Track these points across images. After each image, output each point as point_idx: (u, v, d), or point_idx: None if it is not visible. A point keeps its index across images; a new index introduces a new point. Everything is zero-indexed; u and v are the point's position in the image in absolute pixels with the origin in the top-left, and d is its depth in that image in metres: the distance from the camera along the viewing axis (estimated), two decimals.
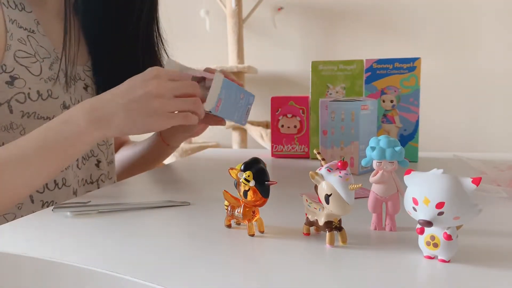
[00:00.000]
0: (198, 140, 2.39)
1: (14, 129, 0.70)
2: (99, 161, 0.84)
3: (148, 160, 0.95)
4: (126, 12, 0.82)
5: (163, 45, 0.88)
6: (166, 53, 0.88)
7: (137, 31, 0.83)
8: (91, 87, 0.83)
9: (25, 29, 0.72)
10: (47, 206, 0.74)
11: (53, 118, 0.73)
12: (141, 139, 0.97)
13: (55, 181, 0.74)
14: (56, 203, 0.75)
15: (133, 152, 0.97)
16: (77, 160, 0.79)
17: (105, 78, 0.83)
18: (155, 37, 0.86)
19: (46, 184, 0.73)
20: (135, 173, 0.94)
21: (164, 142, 0.90)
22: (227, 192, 0.48)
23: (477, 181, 0.35)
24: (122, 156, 0.98)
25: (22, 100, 0.70)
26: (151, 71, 0.65)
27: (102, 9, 0.82)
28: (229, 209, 0.47)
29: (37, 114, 0.72)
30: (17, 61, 0.70)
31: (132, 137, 1.04)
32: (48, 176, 0.63)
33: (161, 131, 0.90)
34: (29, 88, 0.70)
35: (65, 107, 0.76)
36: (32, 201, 0.73)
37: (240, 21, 2.28)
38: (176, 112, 0.67)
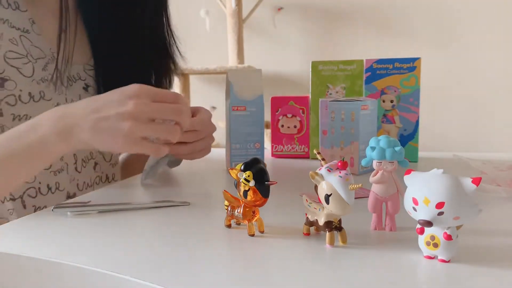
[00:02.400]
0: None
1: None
2: (96, 163, 0.82)
3: (139, 158, 0.94)
4: (130, 6, 0.79)
5: (175, 42, 0.85)
6: (179, 51, 0.85)
7: (142, 26, 0.80)
8: (92, 87, 0.81)
9: (18, 28, 0.71)
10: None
11: None
12: None
13: (48, 185, 0.73)
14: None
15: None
16: (76, 163, 0.77)
17: (108, 77, 0.81)
18: (165, 33, 0.83)
19: (39, 189, 0.72)
20: (133, 171, 0.94)
21: None
22: (227, 192, 0.48)
23: (477, 181, 0.35)
24: (125, 157, 0.97)
25: (12, 103, 0.68)
26: (132, 88, 0.59)
27: (104, 4, 0.80)
28: (229, 209, 0.47)
29: (29, 117, 0.70)
30: (7, 62, 0.68)
31: None
32: (10, 187, 0.61)
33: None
34: (20, 90, 0.69)
35: None
36: (24, 206, 0.71)
37: (240, 21, 2.28)
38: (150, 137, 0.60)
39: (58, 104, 0.74)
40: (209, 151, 0.76)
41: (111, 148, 0.60)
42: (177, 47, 0.86)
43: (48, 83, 0.72)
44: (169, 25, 0.84)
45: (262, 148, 0.80)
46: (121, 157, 0.96)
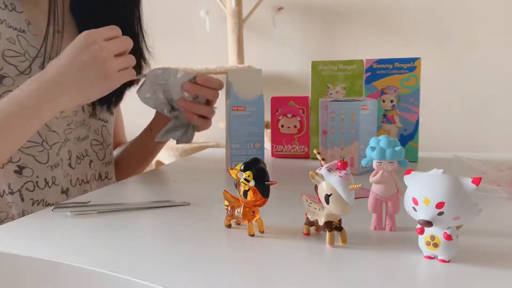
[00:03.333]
0: (198, 140, 2.39)
1: None
2: (91, 161, 0.84)
3: (138, 156, 0.95)
4: (107, 5, 0.82)
5: (143, 37, 0.87)
6: (146, 47, 0.88)
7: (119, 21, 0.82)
8: None
9: (15, 28, 0.73)
10: (37, 205, 0.74)
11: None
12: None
13: (45, 179, 0.74)
14: (46, 201, 0.75)
15: (125, 149, 0.96)
16: (70, 159, 0.79)
17: None
18: (136, 31, 0.86)
19: (37, 183, 0.74)
20: (129, 171, 0.94)
21: (152, 136, 0.89)
22: (227, 192, 0.48)
23: (477, 181, 0.35)
24: (115, 155, 0.97)
25: None
26: (85, 36, 0.66)
27: (96, 8, 0.81)
28: (229, 209, 0.47)
29: None
30: (5, 60, 0.70)
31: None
32: (6, 152, 0.66)
33: (152, 126, 0.91)
34: (18, 87, 0.69)
35: None
36: (22, 199, 0.73)
37: (240, 21, 2.28)
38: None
39: None
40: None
41: (102, 90, 0.67)
42: (145, 42, 0.87)
43: None
44: (139, 19, 0.86)
45: (262, 148, 0.80)
46: (115, 156, 0.96)
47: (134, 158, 0.95)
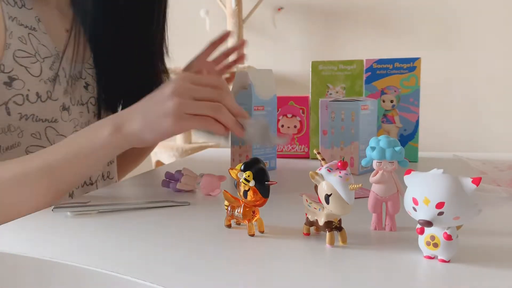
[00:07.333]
0: (198, 140, 2.39)
1: (12, 131, 0.69)
2: None
3: (129, 155, 0.94)
4: (135, 11, 0.81)
5: (165, 41, 0.86)
6: (166, 51, 0.87)
7: (144, 28, 0.82)
8: (91, 85, 0.81)
9: (26, 26, 0.70)
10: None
11: (52, 120, 0.72)
12: None
13: None
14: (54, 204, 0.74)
15: None
16: None
17: (106, 76, 0.81)
18: (163, 34, 0.85)
19: None
20: (127, 166, 0.94)
21: None
22: (227, 192, 0.48)
23: (477, 181, 0.35)
24: None
25: (20, 102, 0.69)
26: (176, 76, 0.65)
27: (106, 7, 0.79)
28: (229, 209, 0.47)
29: (36, 116, 0.70)
30: (16, 61, 0.68)
31: None
32: (72, 184, 0.64)
33: None
34: (28, 90, 0.69)
35: (65, 108, 0.75)
36: None
37: (240, 21, 2.28)
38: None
39: (64, 104, 0.75)
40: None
41: (162, 129, 0.62)
42: (166, 47, 0.87)
43: (53, 83, 0.72)
44: (164, 26, 0.85)
45: (275, 146, 0.81)
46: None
47: (130, 153, 0.94)
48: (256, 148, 0.79)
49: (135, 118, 0.62)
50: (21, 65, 0.68)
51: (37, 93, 0.70)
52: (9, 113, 0.68)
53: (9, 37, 0.68)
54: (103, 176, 0.85)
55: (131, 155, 0.94)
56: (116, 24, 0.79)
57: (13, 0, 0.70)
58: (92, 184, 0.82)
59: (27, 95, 0.69)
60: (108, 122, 0.63)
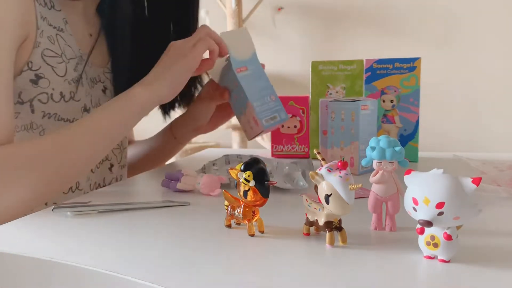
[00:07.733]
0: (198, 140, 2.39)
1: (34, 129, 0.70)
2: (112, 165, 0.83)
3: (156, 156, 0.95)
4: (158, 18, 0.86)
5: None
6: None
7: (166, 33, 0.87)
8: (109, 89, 0.82)
9: (54, 27, 0.72)
10: None
11: (73, 120, 0.73)
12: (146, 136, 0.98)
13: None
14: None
15: (141, 149, 0.96)
16: None
17: (124, 80, 0.82)
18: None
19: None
20: (143, 170, 0.94)
21: (172, 136, 0.91)
22: (227, 192, 0.48)
23: (477, 181, 0.35)
24: (129, 155, 0.97)
25: (44, 101, 0.70)
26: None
27: (130, 20, 0.82)
28: (229, 209, 0.47)
29: (58, 116, 0.71)
30: (44, 60, 0.69)
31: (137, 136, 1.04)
32: (112, 144, 0.69)
33: (172, 125, 0.92)
34: (53, 89, 0.70)
35: (86, 110, 0.76)
36: (46, 204, 0.71)
37: (240, 21, 2.28)
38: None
39: (85, 105, 0.76)
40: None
41: (187, 67, 0.72)
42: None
43: (77, 84, 0.74)
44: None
45: (277, 99, 0.81)
46: (128, 156, 0.96)
47: (151, 159, 0.96)
48: (258, 106, 0.78)
49: (159, 72, 0.71)
50: (48, 64, 0.69)
51: (61, 93, 0.71)
52: (33, 111, 0.69)
53: (40, 36, 0.68)
54: (117, 179, 0.85)
55: (163, 151, 0.95)
56: (136, 34, 0.82)
57: (43, 1, 0.71)
58: (105, 185, 0.82)
59: (51, 94, 0.70)
60: (139, 84, 0.70)
